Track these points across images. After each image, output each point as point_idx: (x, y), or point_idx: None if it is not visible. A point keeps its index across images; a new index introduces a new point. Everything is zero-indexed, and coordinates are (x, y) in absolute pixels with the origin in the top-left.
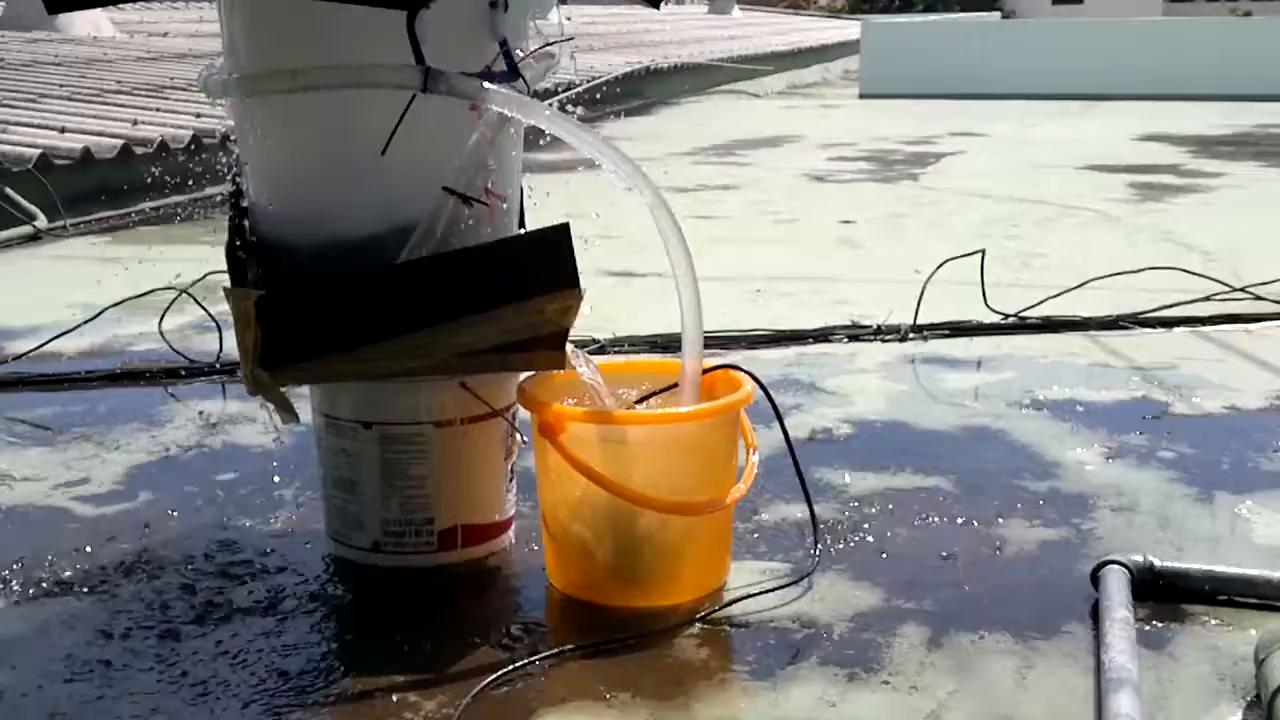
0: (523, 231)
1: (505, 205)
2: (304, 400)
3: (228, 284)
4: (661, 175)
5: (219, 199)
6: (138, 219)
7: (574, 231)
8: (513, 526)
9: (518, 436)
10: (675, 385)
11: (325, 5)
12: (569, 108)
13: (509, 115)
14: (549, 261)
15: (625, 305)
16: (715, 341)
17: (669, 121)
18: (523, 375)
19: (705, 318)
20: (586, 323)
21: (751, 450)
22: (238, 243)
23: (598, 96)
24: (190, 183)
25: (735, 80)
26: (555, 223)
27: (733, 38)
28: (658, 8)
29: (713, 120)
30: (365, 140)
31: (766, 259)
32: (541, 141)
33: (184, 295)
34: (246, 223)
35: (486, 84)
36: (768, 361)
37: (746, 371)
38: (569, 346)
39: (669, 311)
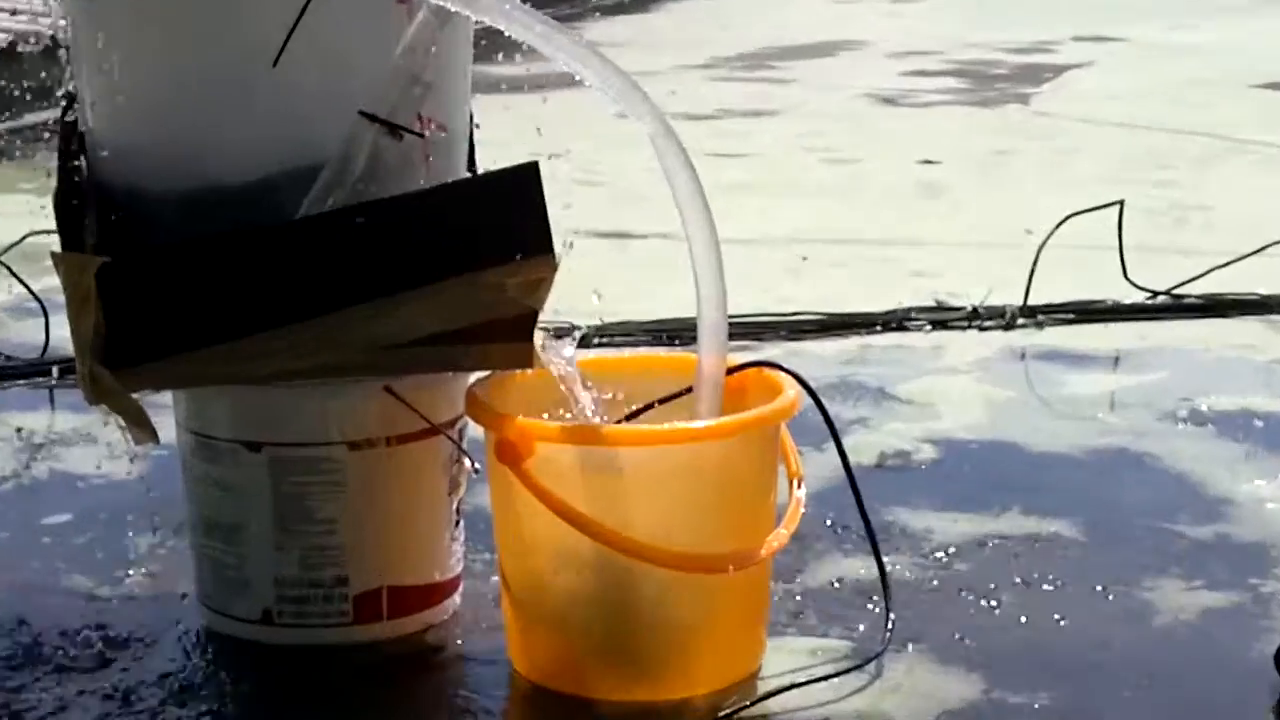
0: (473, 175)
1: (447, 137)
2: (166, 412)
3: (58, 248)
4: (667, 96)
5: (44, 130)
6: None
7: (546, 175)
8: (459, 589)
9: (467, 463)
10: (689, 390)
11: None
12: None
13: (452, 9)
14: (511, 217)
15: (618, 279)
16: (744, 329)
17: (678, 21)
18: (474, 376)
19: (731, 296)
20: (564, 302)
21: (796, 482)
22: (72, 191)
23: None
24: (1, 108)
25: None
26: (520, 162)
27: None
28: None
29: (739, 19)
30: (250, 47)
31: (815, 214)
32: (498, 51)
33: None
34: (84, 163)
35: None
36: (818, 357)
37: (788, 371)
38: (539, 336)
39: (680, 288)
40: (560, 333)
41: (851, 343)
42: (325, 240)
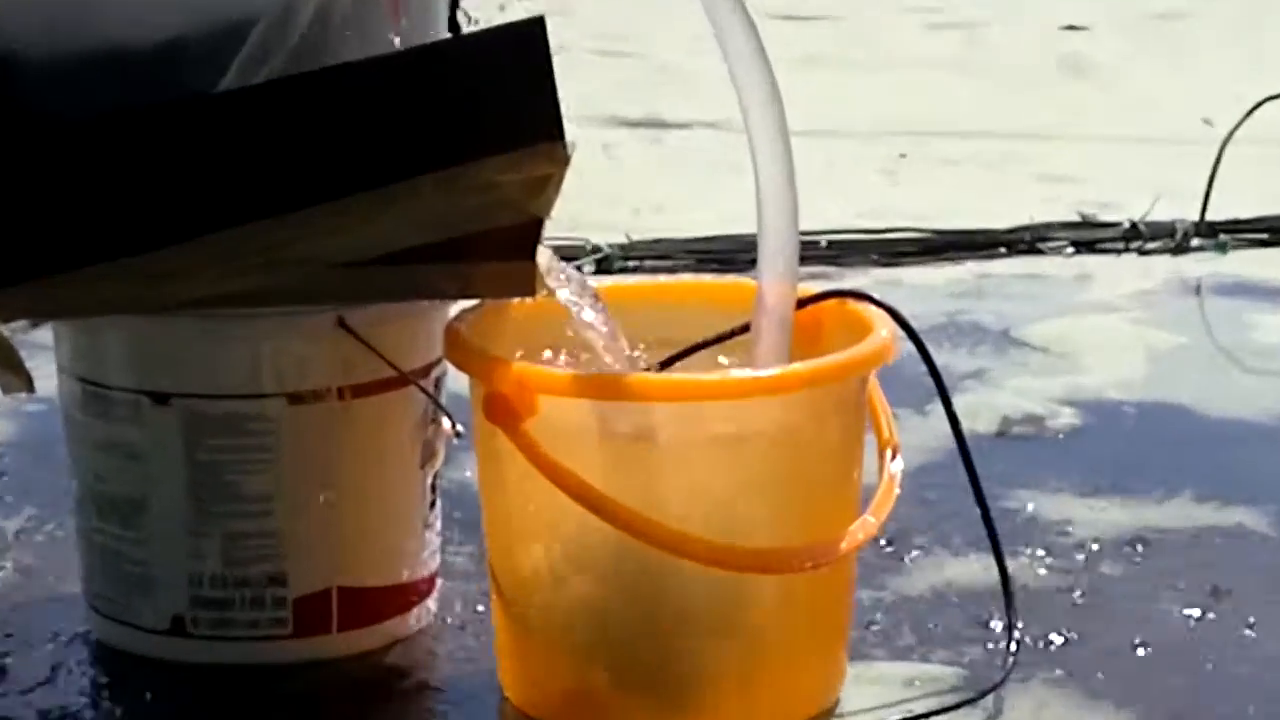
0: (457, 34)
1: None
2: (45, 354)
3: None
4: None
5: None
6: None
7: (556, 43)
8: (434, 592)
9: (446, 424)
10: (745, 328)
11: None
12: None
13: None
14: (507, 91)
15: (650, 181)
16: (821, 251)
17: None
18: (456, 307)
19: (803, 206)
20: (577, 210)
21: (889, 454)
22: None
23: None
24: None
25: None
26: (517, 19)
27: None
28: None
29: None
30: None
31: (919, 97)
32: None
33: None
34: None
35: None
36: (921, 288)
37: (880, 303)
38: (544, 254)
39: (734, 194)
40: (574, 252)
41: (966, 269)
42: (257, 121)
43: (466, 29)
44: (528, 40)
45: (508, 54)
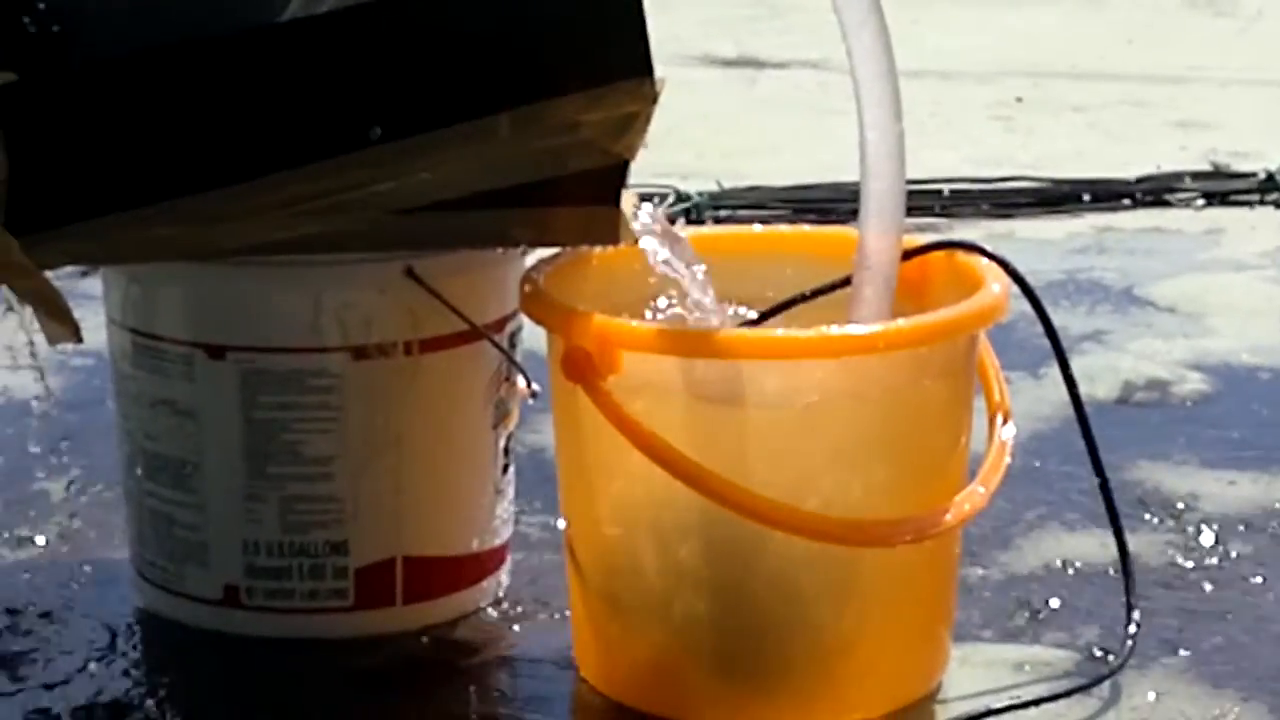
0: None
1: None
2: (93, 303)
3: None
4: None
5: None
6: None
7: None
8: (506, 563)
9: (521, 383)
10: (846, 281)
11: None
12: None
13: None
14: (589, 23)
15: (743, 125)
16: (930, 200)
17: None
18: (533, 256)
19: (910, 152)
20: (664, 155)
21: (999, 419)
22: None
23: None
24: None
25: None
26: None
27: None
28: None
29: None
30: None
31: (1036, 33)
32: None
33: None
34: None
35: None
36: (1037, 242)
37: (993, 256)
38: (629, 199)
39: (834, 138)
40: (662, 199)
41: (1085, 222)
42: (319, 54)
43: None
44: None
45: None
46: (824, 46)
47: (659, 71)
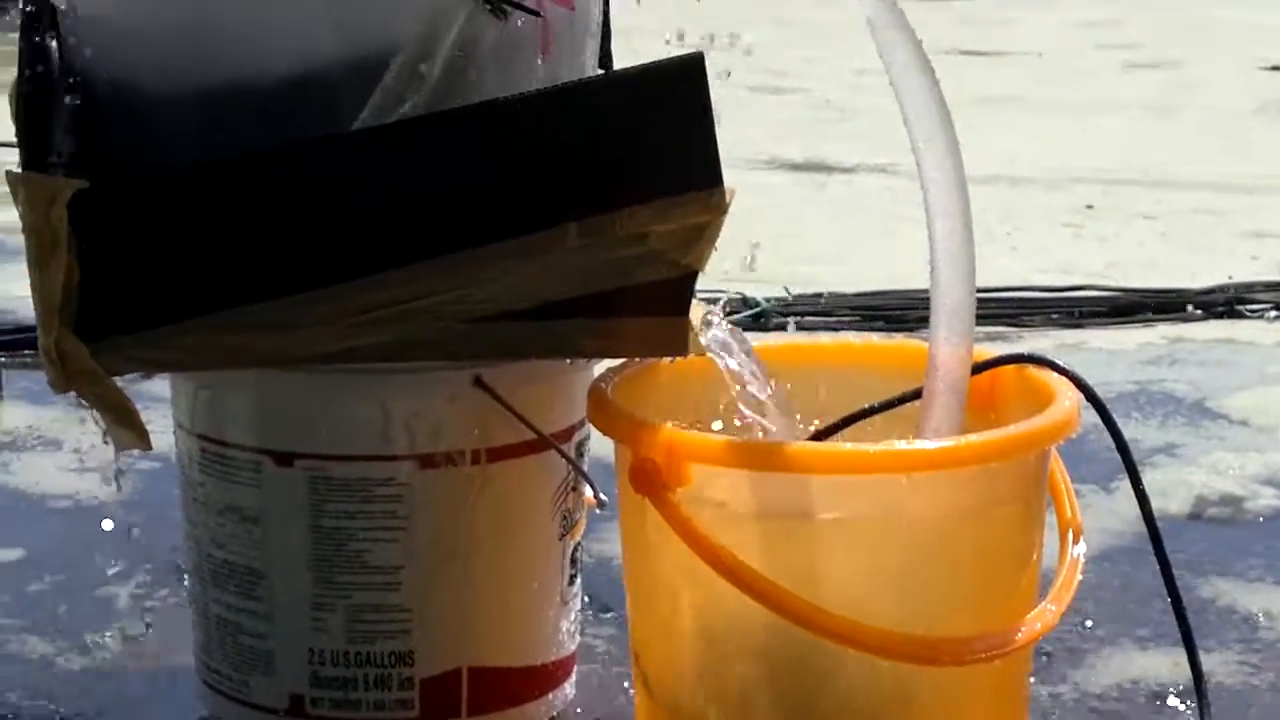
0: (607, 71)
1: (572, 16)
2: (161, 406)
3: (14, 166)
4: None
5: (3, 6)
6: None
7: (712, 75)
8: (572, 676)
9: (588, 492)
10: (915, 395)
11: None
12: None
13: None
14: (661, 133)
15: (811, 229)
16: (999, 309)
17: None
18: (600, 365)
19: (980, 260)
20: (732, 261)
21: (1071, 535)
22: (37, 85)
23: None
24: None
25: None
26: (676, 54)
27: None
28: None
29: None
30: None
31: (1108, 143)
32: None
33: None
34: (55, 44)
35: None
36: (1108, 353)
37: (1063, 370)
38: (698, 309)
39: (904, 244)
40: (729, 306)
41: (1157, 333)
42: (392, 162)
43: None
44: (685, 78)
45: (663, 93)
46: (893, 151)
47: (727, 178)
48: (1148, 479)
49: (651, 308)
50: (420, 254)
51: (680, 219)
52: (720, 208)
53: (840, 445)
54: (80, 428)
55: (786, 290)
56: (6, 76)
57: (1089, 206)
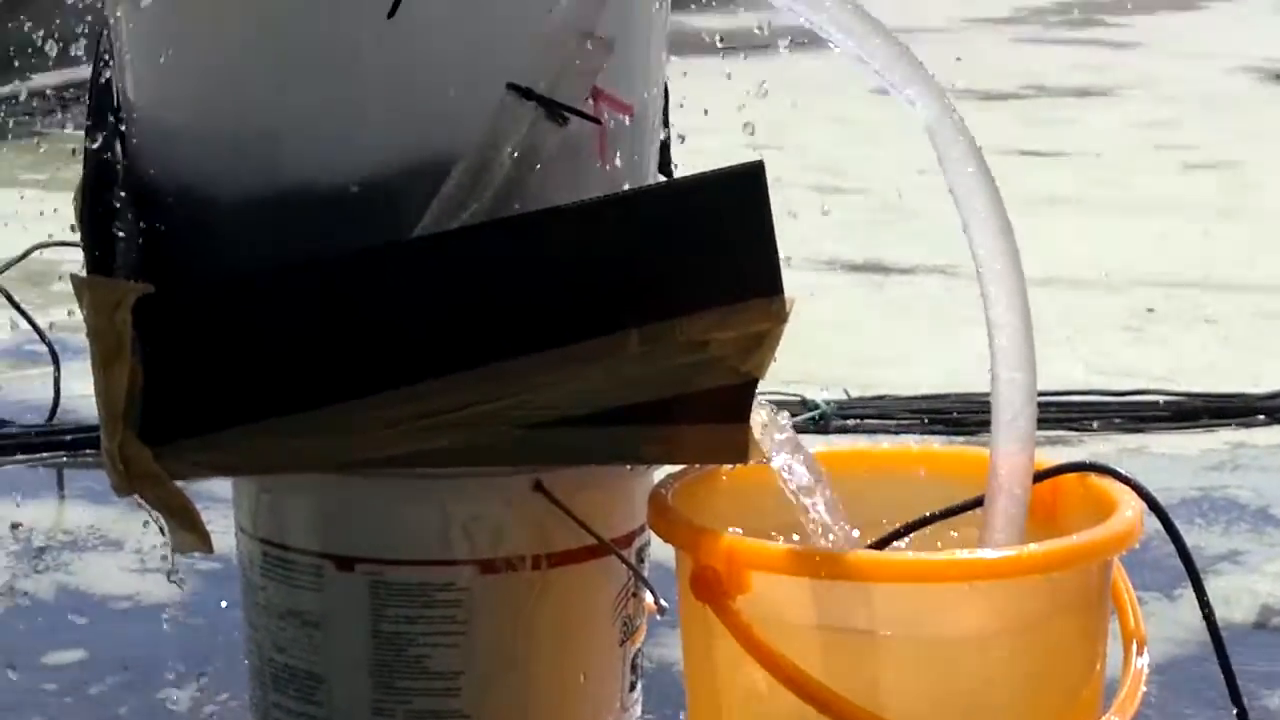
0: (668, 178)
1: (632, 123)
2: (223, 508)
3: (79, 270)
4: (952, 64)
5: (66, 101)
6: None
7: (771, 177)
8: None
9: (649, 599)
10: (977, 503)
11: None
12: None
13: None
14: (722, 241)
15: (870, 331)
16: (1059, 414)
17: None
18: (662, 471)
19: (1040, 363)
20: (791, 362)
21: (1134, 646)
22: (101, 190)
23: None
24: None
25: None
26: (736, 163)
27: None
28: None
29: None
30: None
31: (1169, 245)
32: None
33: None
34: (119, 150)
35: None
36: (1170, 459)
37: (1125, 478)
38: (758, 416)
39: (963, 346)
40: (788, 411)
41: (1219, 438)
42: (455, 268)
43: (676, 149)
44: (746, 186)
45: (724, 201)
46: (952, 252)
47: (787, 278)
48: (1211, 587)
49: (712, 414)
50: (481, 359)
51: (741, 326)
52: (781, 316)
53: (901, 554)
54: (141, 528)
55: (846, 392)
56: (70, 173)
57: (1150, 309)
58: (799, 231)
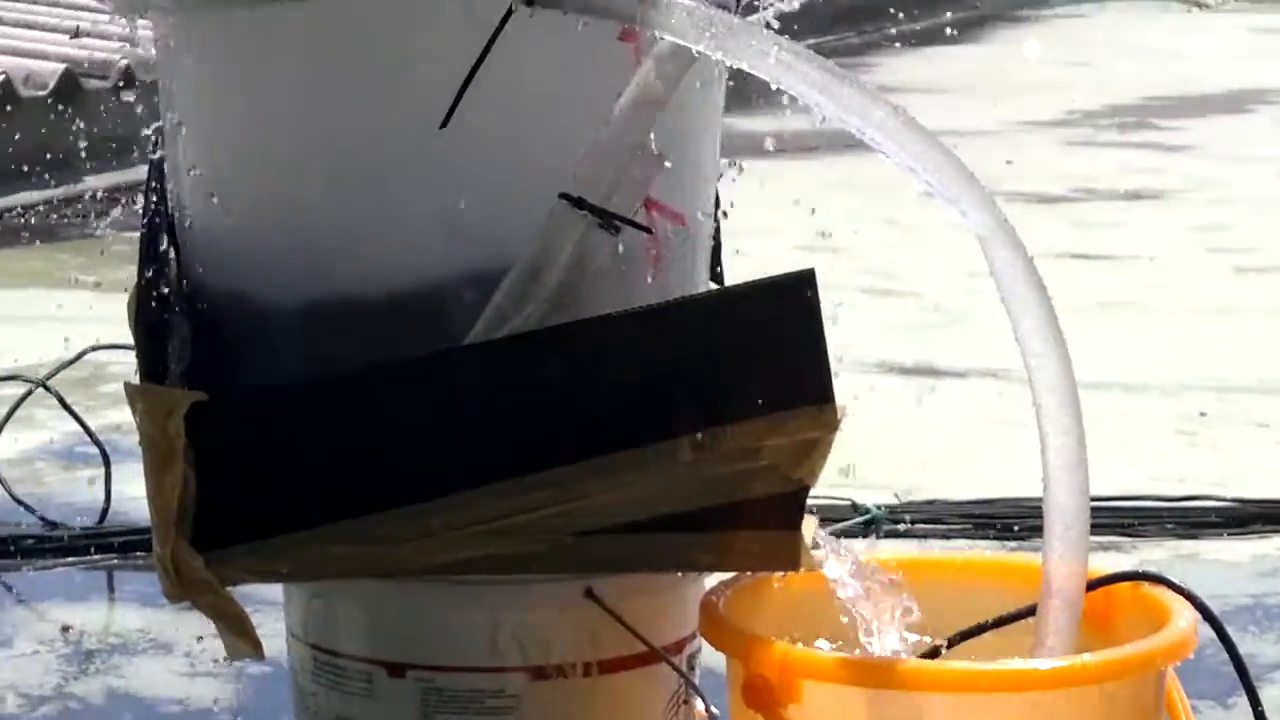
0: (719, 285)
1: (684, 231)
2: (273, 612)
3: (132, 376)
4: (1002, 166)
5: (121, 201)
6: None
7: (822, 281)
8: None
9: (699, 706)
10: (1030, 611)
11: None
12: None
13: (700, 52)
14: (773, 349)
15: (921, 435)
16: (1112, 520)
17: (1015, 54)
18: (713, 578)
19: (1093, 468)
20: (841, 466)
21: None
22: (156, 296)
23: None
24: (55, 163)
25: None
26: (787, 271)
27: None
28: None
29: (1105, 53)
30: (409, 100)
31: (1223, 348)
32: (751, 95)
33: (39, 393)
34: (174, 256)
35: None
36: (1225, 565)
37: (1178, 587)
38: (809, 523)
39: (1015, 453)
40: (838, 514)
41: (1273, 544)
42: (506, 376)
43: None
44: (797, 295)
45: (775, 309)
46: (1003, 356)
47: (837, 383)
48: (1266, 695)
49: (763, 522)
50: (532, 467)
51: (792, 434)
52: (832, 424)
53: (953, 663)
54: (191, 631)
55: (897, 496)
56: (123, 274)
57: (1203, 414)
58: (850, 334)
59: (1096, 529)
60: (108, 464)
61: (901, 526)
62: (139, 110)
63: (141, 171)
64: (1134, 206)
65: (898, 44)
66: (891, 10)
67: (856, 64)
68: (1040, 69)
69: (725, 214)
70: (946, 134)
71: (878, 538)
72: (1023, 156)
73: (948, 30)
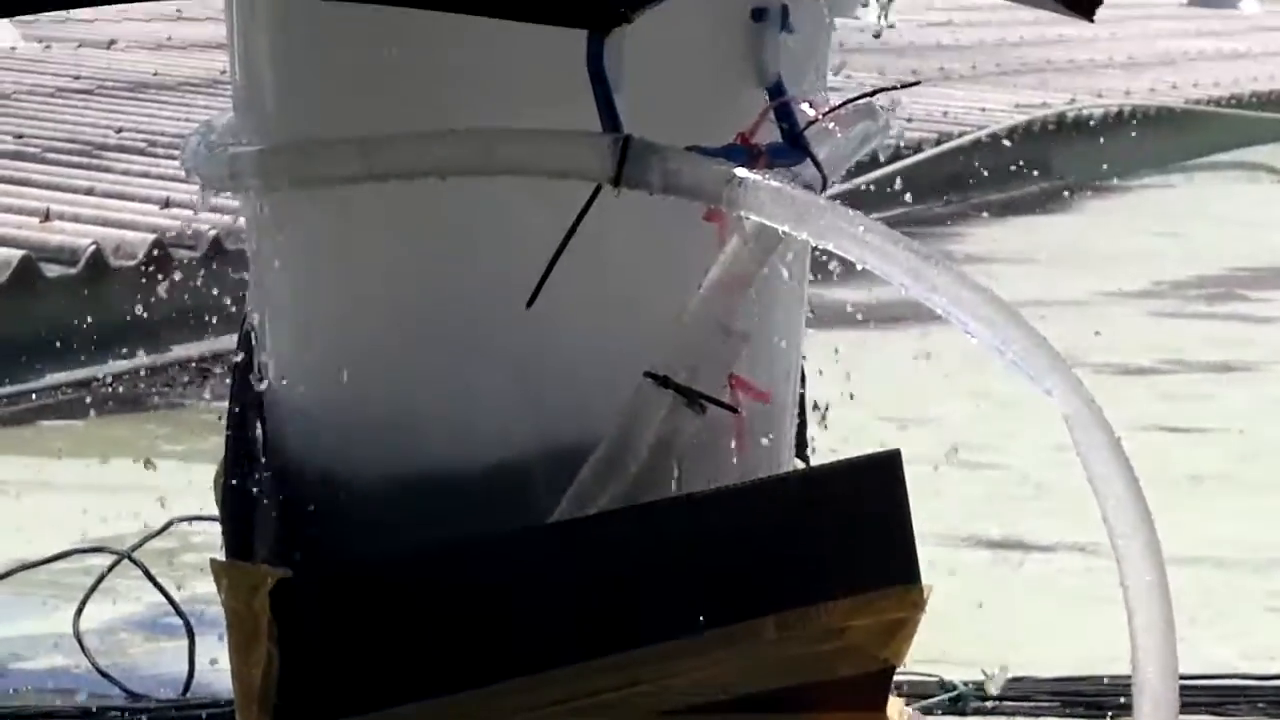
0: (805, 466)
1: (768, 409)
2: None
3: (217, 552)
4: (1090, 338)
5: (207, 371)
6: (32, 402)
7: (908, 455)
8: None
9: None
10: None
11: (425, 22)
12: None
13: (784, 233)
14: (859, 529)
15: (1010, 612)
16: (1206, 698)
17: (1106, 224)
18: None
19: (1183, 646)
20: (927, 641)
21: None
22: (242, 472)
23: (950, 174)
24: (141, 335)
25: (1246, 143)
26: (871, 452)
27: (1240, 55)
28: (1090, 18)
29: (1195, 225)
30: (492, 279)
31: None
32: (830, 263)
33: (124, 563)
34: (261, 431)
35: (741, 170)
36: None
37: None
38: (896, 704)
39: (1103, 627)
40: (925, 690)
41: None
42: (592, 554)
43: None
44: (883, 475)
45: (861, 489)
46: (1090, 530)
47: (923, 556)
48: None
49: (848, 702)
50: (618, 645)
51: (878, 614)
52: (919, 604)
53: None
54: None
55: (984, 673)
56: (208, 445)
57: None
58: (936, 507)
59: (1186, 708)
60: (191, 635)
61: (989, 704)
62: (227, 280)
63: (228, 342)
64: (1223, 378)
65: (985, 213)
66: (977, 180)
67: (944, 234)
68: (1128, 239)
69: (816, 375)
70: (1034, 304)
71: (965, 715)
72: (1110, 327)
73: (1035, 197)
